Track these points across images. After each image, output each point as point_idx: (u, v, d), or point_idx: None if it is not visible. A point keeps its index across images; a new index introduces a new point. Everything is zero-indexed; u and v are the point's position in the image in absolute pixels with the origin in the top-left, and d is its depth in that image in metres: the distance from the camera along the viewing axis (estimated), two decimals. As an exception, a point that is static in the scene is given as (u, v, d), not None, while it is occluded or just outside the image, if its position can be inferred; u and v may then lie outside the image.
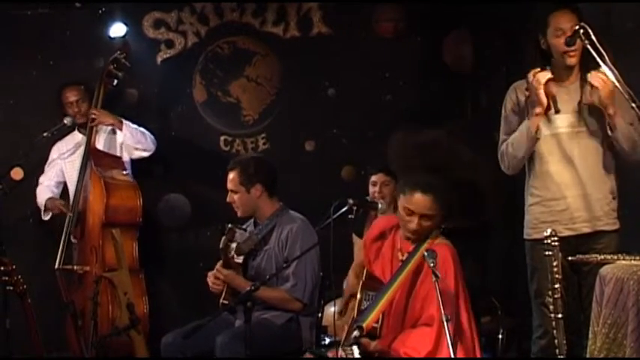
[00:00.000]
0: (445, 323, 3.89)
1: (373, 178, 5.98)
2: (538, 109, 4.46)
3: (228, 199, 5.33)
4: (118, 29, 6.88)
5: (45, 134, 6.56)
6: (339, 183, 7.00)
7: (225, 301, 5.17)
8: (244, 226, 5.37)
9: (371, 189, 5.96)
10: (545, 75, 4.45)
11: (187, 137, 7.16)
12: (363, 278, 4.58)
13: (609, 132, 4.41)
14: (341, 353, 4.21)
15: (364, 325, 4.16)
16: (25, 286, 4.44)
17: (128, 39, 6.85)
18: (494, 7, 6.56)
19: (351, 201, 4.79)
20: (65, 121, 6.62)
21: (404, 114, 7.03)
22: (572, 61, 4.51)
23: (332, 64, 7.13)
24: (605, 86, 4.31)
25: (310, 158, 7.13)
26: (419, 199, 4.35)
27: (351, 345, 4.13)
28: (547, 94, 4.46)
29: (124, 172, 6.52)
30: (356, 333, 4.14)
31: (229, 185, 5.30)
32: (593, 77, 4.37)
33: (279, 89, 7.19)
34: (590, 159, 4.53)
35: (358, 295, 4.52)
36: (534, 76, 4.45)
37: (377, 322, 4.27)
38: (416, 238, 4.42)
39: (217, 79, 7.18)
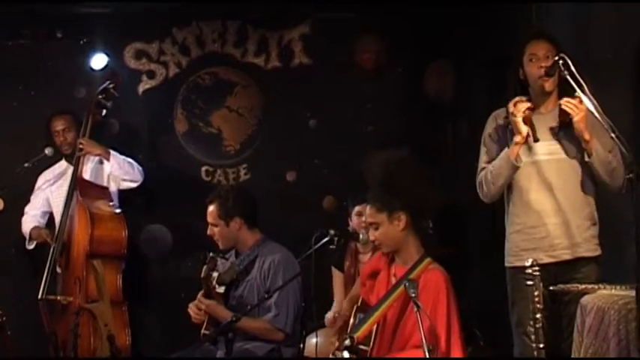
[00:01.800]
0: (427, 353, 3.89)
1: (357, 208, 5.95)
2: (517, 138, 4.49)
3: (208, 232, 5.31)
4: (99, 60, 6.88)
5: (26, 165, 6.54)
6: (320, 213, 7.00)
7: (207, 332, 5.13)
8: (226, 256, 5.35)
9: (355, 220, 5.92)
10: (525, 104, 4.49)
11: (169, 168, 7.15)
12: (358, 303, 4.60)
13: (586, 158, 4.44)
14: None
15: (355, 335, 4.19)
16: (4, 318, 4.41)
17: (111, 69, 6.84)
18: (475, 38, 6.61)
19: (332, 232, 4.78)
20: (46, 152, 6.60)
21: (386, 145, 7.03)
22: (547, 86, 4.55)
23: (313, 95, 7.15)
24: (577, 112, 4.35)
25: (291, 188, 7.14)
26: (366, 214, 4.47)
27: (341, 350, 4.17)
28: (526, 123, 4.49)
29: (111, 203, 6.49)
30: (347, 342, 4.18)
31: (209, 218, 5.29)
32: (564, 103, 4.41)
33: (260, 120, 7.20)
34: (570, 186, 4.55)
35: (351, 320, 4.54)
36: (514, 105, 4.49)
37: (369, 332, 4.31)
38: (385, 250, 4.48)
39: (199, 109, 7.19)
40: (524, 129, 4.47)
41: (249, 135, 7.19)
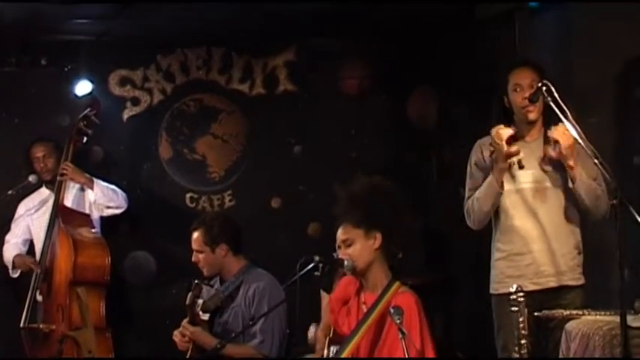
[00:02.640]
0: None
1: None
2: (501, 165, 4.51)
3: (193, 259, 5.30)
4: (83, 87, 6.87)
5: (9, 192, 6.51)
6: (305, 240, 6.99)
7: (192, 359, 5.11)
8: (211, 282, 5.33)
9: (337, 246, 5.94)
10: (508, 131, 4.51)
11: (153, 194, 7.14)
12: (330, 335, 4.56)
13: (570, 184, 4.47)
14: None
15: None
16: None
17: (92, 96, 6.84)
18: (459, 64, 6.65)
19: (317, 258, 4.77)
20: (30, 179, 6.57)
21: (369, 171, 7.04)
22: (531, 116, 4.58)
23: (298, 122, 7.18)
24: (565, 139, 4.38)
25: (277, 215, 7.14)
26: (341, 230, 4.44)
27: None
28: (511, 151, 4.51)
29: (93, 230, 6.46)
30: None
31: (194, 245, 5.28)
32: (553, 132, 4.44)
33: (245, 146, 7.21)
34: (555, 214, 4.57)
35: (325, 351, 4.50)
36: (497, 132, 4.51)
37: None
38: (355, 271, 4.43)
39: (183, 136, 7.19)
40: (506, 150, 4.49)
41: (233, 161, 7.20)
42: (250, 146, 7.20)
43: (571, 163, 4.43)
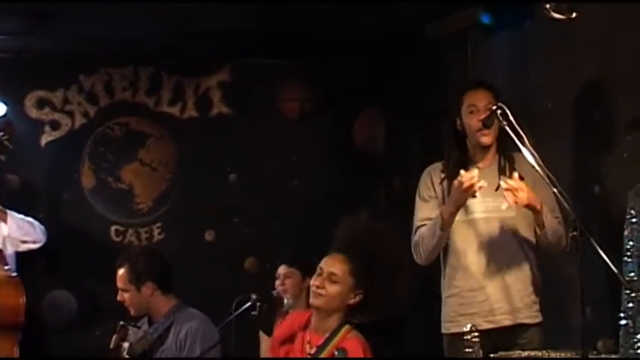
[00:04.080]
0: None
1: (282, 269, 5.97)
2: (454, 209, 4.52)
3: (118, 298, 5.26)
4: (-3, 109, 6.80)
5: None
6: (242, 276, 6.97)
7: (118, 407, 5.06)
8: (138, 324, 5.29)
9: (276, 282, 5.94)
10: (470, 178, 4.45)
11: (74, 227, 7.05)
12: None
13: (538, 230, 4.51)
14: None
15: None
16: None
17: (5, 119, 6.75)
18: (408, 85, 6.71)
19: (254, 296, 4.76)
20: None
21: (312, 200, 7.07)
22: (485, 140, 4.60)
23: (233, 148, 7.16)
24: (521, 197, 4.37)
25: (210, 249, 7.10)
26: (330, 258, 4.36)
27: None
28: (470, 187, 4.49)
29: (6, 267, 6.35)
30: None
31: (118, 283, 5.24)
32: (505, 191, 4.41)
33: (175, 174, 7.17)
34: (509, 246, 4.59)
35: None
36: (460, 180, 4.46)
37: None
38: (318, 304, 4.38)
39: (107, 163, 7.13)
40: (463, 204, 4.52)
41: (163, 191, 7.16)
42: (181, 174, 7.17)
43: (538, 207, 4.45)
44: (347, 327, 4.41)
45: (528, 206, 4.43)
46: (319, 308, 4.38)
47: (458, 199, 4.48)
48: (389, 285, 4.28)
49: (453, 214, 4.53)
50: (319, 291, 4.31)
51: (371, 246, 4.35)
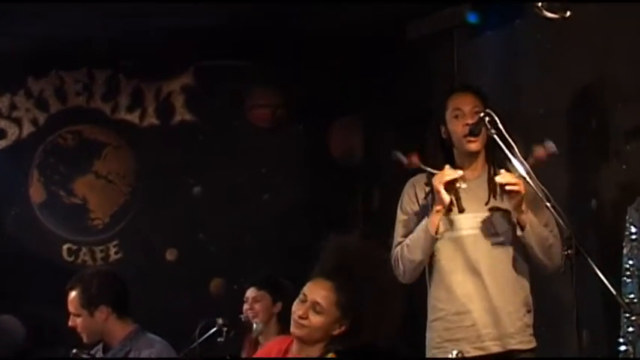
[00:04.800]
0: None
1: (251, 292, 5.96)
2: (438, 207, 4.53)
3: (70, 323, 5.23)
4: None
5: None
6: (207, 299, 6.95)
7: None
8: (92, 351, 5.26)
9: (244, 306, 5.93)
10: (453, 174, 4.48)
11: (22, 245, 7.03)
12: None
13: (518, 232, 4.48)
14: None
15: None
16: None
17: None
18: (388, 91, 6.72)
19: (220, 321, 4.76)
20: None
21: (284, 216, 7.07)
22: (472, 146, 4.59)
23: (198, 158, 7.16)
24: (520, 189, 4.38)
25: (172, 269, 7.09)
26: (315, 284, 4.33)
27: None
28: (450, 190, 4.52)
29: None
30: None
31: (70, 308, 5.21)
32: (504, 178, 4.43)
33: (134, 187, 7.16)
34: (500, 266, 4.59)
35: None
36: (440, 174, 4.49)
37: None
38: (300, 334, 4.36)
39: (59, 175, 7.11)
40: (447, 197, 4.52)
41: (120, 206, 7.14)
42: (140, 187, 7.16)
43: (522, 207, 4.46)
44: (331, 355, 4.40)
45: (516, 205, 4.43)
46: (301, 338, 4.37)
47: (439, 197, 4.48)
48: (379, 317, 4.27)
49: (439, 213, 4.52)
50: (302, 321, 4.29)
51: (362, 273, 4.32)
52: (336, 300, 4.24)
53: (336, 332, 4.28)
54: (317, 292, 4.25)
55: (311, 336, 4.31)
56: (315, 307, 4.24)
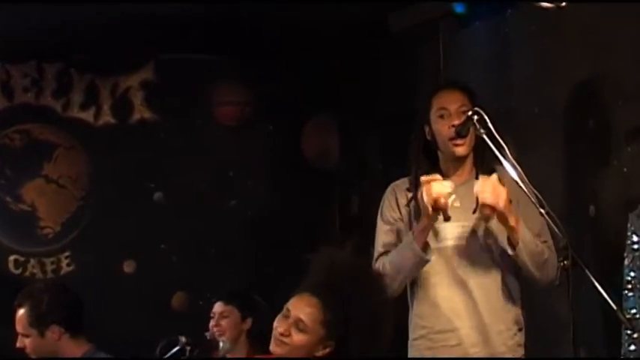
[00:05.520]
0: None
1: (218, 307, 5.96)
2: (424, 220, 4.51)
3: (18, 344, 5.21)
4: None
5: None
6: (168, 315, 6.95)
7: None
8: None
9: (210, 323, 5.93)
10: (443, 187, 4.44)
11: (-37, 258, 7.02)
12: None
13: (509, 251, 4.46)
14: None
15: None
16: None
17: None
18: (368, 88, 6.73)
19: (183, 339, 4.76)
20: None
21: (254, 224, 7.07)
22: (460, 150, 4.58)
23: (159, 160, 7.15)
24: (496, 199, 4.35)
25: (131, 283, 7.08)
26: (301, 299, 4.33)
27: None
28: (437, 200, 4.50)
29: None
30: None
31: (18, 327, 5.19)
32: (480, 187, 4.40)
33: (88, 193, 7.15)
34: (489, 279, 4.59)
35: None
36: (428, 184, 4.46)
37: None
38: (280, 353, 4.37)
39: (5, 179, 7.10)
40: (435, 217, 4.49)
41: (73, 213, 7.13)
42: (95, 193, 7.14)
43: (511, 222, 4.42)
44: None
45: (502, 219, 4.40)
46: (281, 357, 4.38)
47: (423, 204, 4.45)
48: (367, 339, 4.27)
49: (426, 228, 4.50)
50: (283, 339, 4.30)
51: (352, 291, 4.32)
52: (322, 318, 4.24)
53: (319, 353, 4.28)
54: (301, 308, 4.25)
55: (292, 355, 4.32)
56: (298, 324, 4.24)
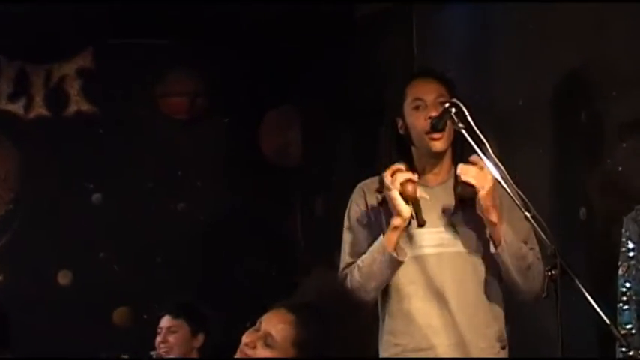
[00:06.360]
0: None
1: (165, 321, 5.95)
2: (396, 221, 4.51)
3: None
4: None
5: None
6: (109, 331, 6.93)
7: None
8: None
9: (157, 339, 5.93)
10: (405, 175, 4.49)
11: None
12: None
13: (492, 249, 4.48)
14: None
15: None
16: None
17: None
18: (333, 77, 6.74)
19: (125, 357, 4.75)
20: None
21: (205, 229, 7.06)
22: (437, 145, 4.57)
23: (98, 158, 7.13)
24: (481, 183, 4.38)
25: (66, 295, 7.05)
26: (275, 314, 4.33)
27: None
28: (408, 200, 4.52)
29: None
30: None
31: (-62, 343, 5.20)
32: (463, 170, 4.42)
33: (18, 194, 7.12)
34: (469, 292, 4.60)
35: None
36: (392, 175, 4.49)
37: None
38: None
39: None
40: (406, 209, 4.51)
41: (1, 217, 7.11)
42: (26, 194, 7.11)
43: (493, 218, 4.44)
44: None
45: (484, 210, 4.42)
46: None
47: (393, 203, 4.46)
48: None
49: (397, 229, 4.50)
50: (246, 350, 4.29)
51: (335, 313, 4.34)
52: (295, 337, 4.24)
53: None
54: (273, 323, 4.25)
55: None
56: (266, 338, 4.24)
